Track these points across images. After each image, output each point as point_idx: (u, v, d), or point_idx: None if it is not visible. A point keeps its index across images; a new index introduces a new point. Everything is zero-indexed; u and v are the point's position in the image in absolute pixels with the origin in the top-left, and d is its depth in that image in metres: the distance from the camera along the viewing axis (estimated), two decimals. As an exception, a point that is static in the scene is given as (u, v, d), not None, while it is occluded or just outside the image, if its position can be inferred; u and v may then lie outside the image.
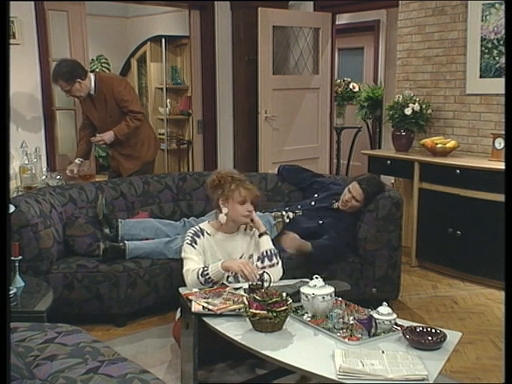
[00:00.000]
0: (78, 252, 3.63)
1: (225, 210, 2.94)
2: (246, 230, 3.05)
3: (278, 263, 2.97)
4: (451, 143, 4.53)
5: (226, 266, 2.79)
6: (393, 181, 5.45)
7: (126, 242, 3.62)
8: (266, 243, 3.00)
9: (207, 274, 2.79)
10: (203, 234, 2.97)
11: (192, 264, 2.87)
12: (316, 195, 3.97)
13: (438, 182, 4.40)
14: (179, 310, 2.88)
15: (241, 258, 2.99)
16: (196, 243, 2.93)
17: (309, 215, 3.78)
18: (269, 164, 5.47)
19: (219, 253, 2.98)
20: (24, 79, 4.47)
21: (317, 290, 2.49)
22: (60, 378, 1.70)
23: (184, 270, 2.89)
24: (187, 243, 2.94)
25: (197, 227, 3.02)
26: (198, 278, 2.79)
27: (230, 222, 2.98)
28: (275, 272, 2.93)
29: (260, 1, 5.43)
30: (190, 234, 2.97)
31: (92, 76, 4.39)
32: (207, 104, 5.82)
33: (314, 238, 3.63)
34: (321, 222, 3.68)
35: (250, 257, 3.02)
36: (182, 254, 2.96)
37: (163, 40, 6.83)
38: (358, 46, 7.97)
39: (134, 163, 4.55)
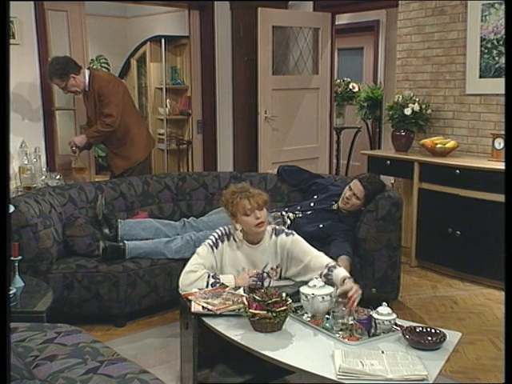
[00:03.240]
0: (78, 252, 3.64)
1: (239, 227, 2.84)
2: (271, 238, 2.89)
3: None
4: (451, 143, 4.53)
5: (239, 284, 2.74)
6: (392, 181, 5.46)
7: (125, 241, 3.62)
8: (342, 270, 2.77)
9: (218, 282, 2.74)
10: (229, 239, 2.86)
11: (197, 265, 2.76)
12: (315, 197, 3.96)
13: (438, 182, 4.40)
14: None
15: (265, 267, 2.87)
16: (217, 247, 2.82)
17: (309, 217, 3.77)
18: (269, 164, 5.47)
19: (244, 263, 2.87)
20: (23, 79, 4.47)
21: (316, 290, 2.49)
22: (60, 379, 1.70)
23: (187, 270, 2.76)
24: (209, 244, 2.82)
25: (226, 229, 2.89)
26: (207, 286, 2.72)
27: (249, 235, 2.86)
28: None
29: (260, 1, 5.44)
30: (216, 236, 2.85)
31: (87, 72, 4.41)
32: (207, 104, 5.82)
33: (317, 241, 3.62)
34: (321, 225, 3.67)
35: (279, 266, 2.90)
36: (198, 249, 2.84)
37: (163, 40, 6.83)
38: (358, 46, 7.97)
39: (123, 162, 4.60)
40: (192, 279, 2.74)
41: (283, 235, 2.90)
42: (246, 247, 2.87)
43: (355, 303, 2.49)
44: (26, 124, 4.57)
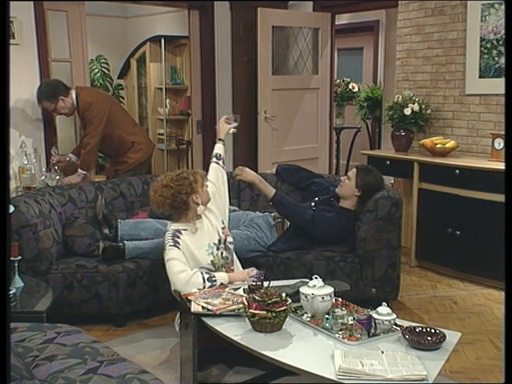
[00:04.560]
0: (78, 252, 3.64)
1: (200, 201, 3.04)
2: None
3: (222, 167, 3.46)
4: (450, 143, 4.53)
5: (233, 279, 2.90)
6: (392, 181, 5.45)
7: (125, 242, 3.62)
8: (221, 148, 3.55)
9: (215, 280, 2.84)
10: (180, 233, 2.99)
11: (181, 265, 2.87)
12: (316, 198, 3.95)
13: (438, 182, 4.40)
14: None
15: (223, 229, 3.15)
16: (179, 244, 2.94)
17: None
18: (268, 164, 5.47)
19: (204, 237, 3.04)
20: (23, 79, 4.46)
21: (316, 290, 2.49)
22: (59, 379, 1.70)
23: (175, 271, 2.86)
24: (170, 245, 2.93)
25: (171, 230, 3.03)
26: (204, 282, 2.81)
27: (195, 210, 3.07)
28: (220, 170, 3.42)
29: (259, 1, 5.44)
30: (170, 237, 2.97)
31: (73, 92, 4.44)
32: (207, 104, 5.81)
33: (308, 227, 3.65)
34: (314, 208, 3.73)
35: (224, 222, 3.20)
36: (167, 257, 2.93)
37: (162, 40, 6.84)
38: (358, 46, 7.98)
39: (120, 166, 4.64)
40: (186, 278, 2.82)
41: None
42: (196, 227, 3.05)
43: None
44: (26, 124, 4.56)
